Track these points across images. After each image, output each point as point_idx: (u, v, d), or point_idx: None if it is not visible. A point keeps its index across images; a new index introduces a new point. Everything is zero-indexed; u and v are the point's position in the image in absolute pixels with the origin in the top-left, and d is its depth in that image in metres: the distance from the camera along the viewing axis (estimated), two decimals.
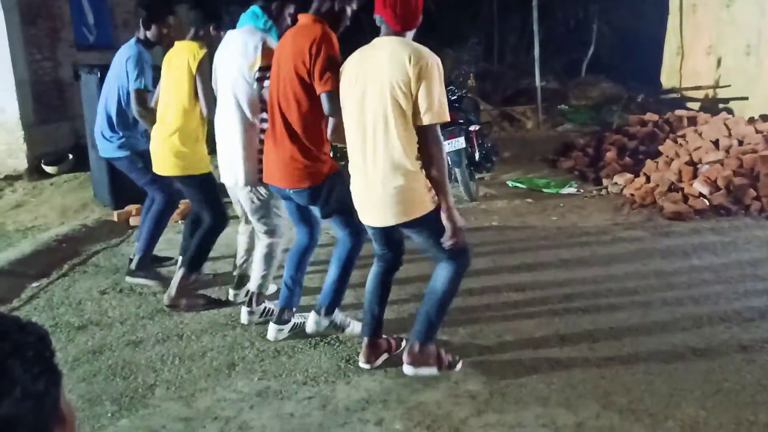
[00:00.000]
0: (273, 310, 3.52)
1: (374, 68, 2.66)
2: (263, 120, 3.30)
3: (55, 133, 7.35)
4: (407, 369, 2.92)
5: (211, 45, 3.70)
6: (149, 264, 4.30)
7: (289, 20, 3.41)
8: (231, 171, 3.40)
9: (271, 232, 3.49)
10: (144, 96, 3.98)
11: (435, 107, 2.55)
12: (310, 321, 3.30)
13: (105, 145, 4.24)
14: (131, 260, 4.30)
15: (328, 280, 3.28)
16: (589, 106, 11.09)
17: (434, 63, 2.57)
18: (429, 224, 2.71)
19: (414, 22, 2.69)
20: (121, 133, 4.15)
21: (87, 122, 5.96)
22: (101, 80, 5.52)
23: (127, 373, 3.09)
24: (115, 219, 5.56)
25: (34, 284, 4.25)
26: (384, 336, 3.12)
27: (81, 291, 4.14)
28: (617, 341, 3.26)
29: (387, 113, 2.61)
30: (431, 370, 2.92)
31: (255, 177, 3.34)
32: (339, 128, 2.91)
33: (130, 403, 2.84)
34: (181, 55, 3.69)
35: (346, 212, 3.04)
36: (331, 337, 3.36)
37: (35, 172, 6.95)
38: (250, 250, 3.75)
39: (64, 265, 4.58)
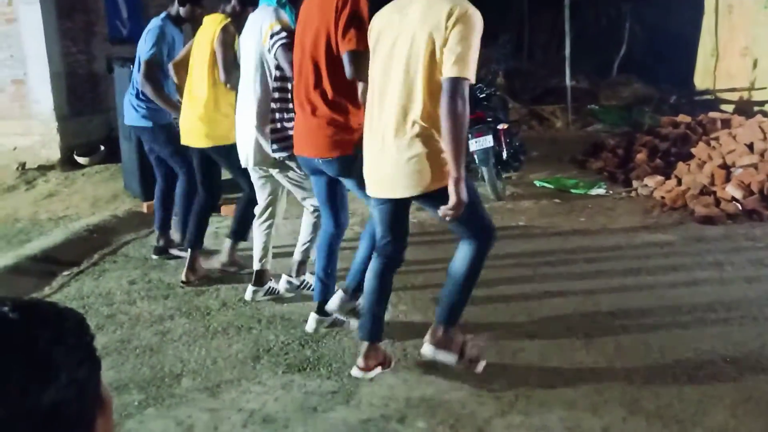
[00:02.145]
0: (310, 285, 3.55)
1: (407, 20, 2.44)
2: (278, 95, 3.27)
3: (88, 125, 7.48)
4: (427, 349, 2.80)
5: (238, 23, 3.73)
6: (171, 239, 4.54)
7: None
8: (243, 151, 3.43)
9: (315, 201, 3.42)
10: (152, 66, 4.09)
11: (467, 60, 2.32)
12: (334, 299, 3.24)
13: (130, 114, 4.41)
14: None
15: (357, 259, 3.18)
16: (620, 106, 10.92)
17: (477, 16, 2.36)
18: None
19: None
20: (146, 104, 4.29)
21: (119, 115, 6.06)
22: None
23: (155, 363, 3.14)
24: (145, 210, 5.64)
25: (65, 272, 4.33)
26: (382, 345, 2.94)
27: (110, 280, 4.21)
28: (645, 346, 3.21)
29: (416, 68, 2.39)
30: (451, 357, 2.78)
31: (267, 156, 3.32)
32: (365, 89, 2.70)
33: (157, 392, 2.88)
34: (208, 29, 3.84)
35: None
36: (355, 333, 3.36)
37: (68, 162, 7.08)
38: (267, 247, 3.73)
39: (95, 255, 4.66)
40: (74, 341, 0.73)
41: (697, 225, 5.19)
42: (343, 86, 2.83)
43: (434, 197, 2.50)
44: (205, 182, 4.15)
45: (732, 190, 5.46)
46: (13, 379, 0.66)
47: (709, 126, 7.22)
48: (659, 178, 6.17)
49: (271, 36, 3.20)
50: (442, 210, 2.43)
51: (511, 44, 12.62)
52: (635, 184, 6.31)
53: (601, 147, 7.82)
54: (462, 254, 2.71)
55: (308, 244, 3.58)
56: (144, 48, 4.16)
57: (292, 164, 3.35)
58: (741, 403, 2.70)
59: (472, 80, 2.39)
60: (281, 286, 3.71)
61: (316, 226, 3.50)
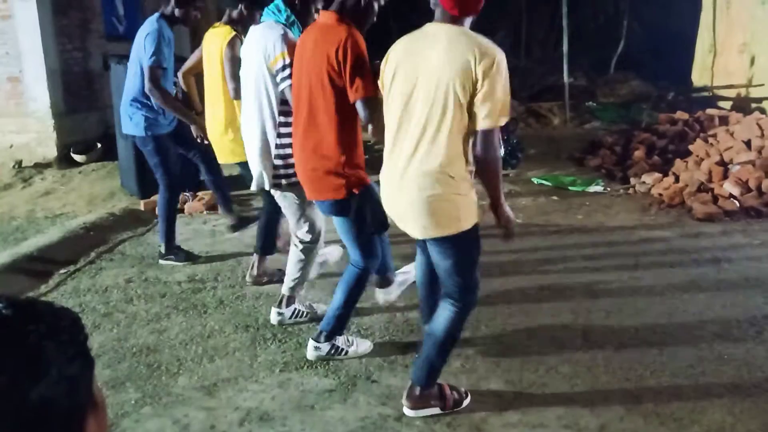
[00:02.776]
0: (303, 312, 3.47)
1: (429, 62, 2.33)
2: (282, 120, 3.17)
3: (85, 123, 7.46)
4: (407, 412, 2.64)
5: (245, 27, 3.69)
6: (176, 246, 4.50)
7: (316, 16, 3.25)
8: (253, 173, 3.33)
9: (305, 236, 3.34)
10: (156, 73, 4.03)
11: (497, 110, 2.27)
12: (310, 348, 3.08)
13: (126, 121, 4.36)
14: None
15: (333, 305, 3.05)
16: (618, 103, 10.92)
17: (502, 60, 2.28)
18: (457, 246, 2.46)
19: (477, 5, 2.35)
20: (141, 111, 4.21)
21: (116, 112, 6.04)
22: None
23: (151, 361, 3.13)
24: (142, 208, 5.63)
25: (62, 271, 4.32)
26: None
27: (107, 279, 4.19)
28: (643, 344, 3.21)
29: (441, 114, 2.30)
30: (433, 411, 2.63)
31: (270, 179, 3.23)
32: (380, 127, 2.61)
33: (154, 390, 2.87)
34: (214, 43, 3.83)
35: (373, 232, 2.89)
36: (352, 332, 3.35)
37: (64, 160, 7.06)
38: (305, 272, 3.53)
39: (91, 253, 4.65)
40: (67, 338, 0.72)
41: (695, 222, 5.19)
42: (342, 129, 2.76)
43: (448, 240, 2.45)
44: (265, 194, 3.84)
45: (729, 187, 5.46)
46: (2, 373, 0.65)
47: (706, 123, 7.23)
48: (657, 175, 6.17)
49: (283, 68, 3.07)
50: (502, 237, 2.54)
51: (508, 41, 12.63)
52: (633, 181, 6.32)
53: (599, 144, 7.82)
54: (444, 316, 2.59)
55: (297, 280, 3.42)
56: (145, 54, 4.04)
57: (291, 191, 3.24)
58: (738, 401, 2.70)
59: (506, 119, 2.35)
60: (272, 318, 3.51)
61: (304, 262, 3.38)
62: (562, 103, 10.32)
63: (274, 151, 3.19)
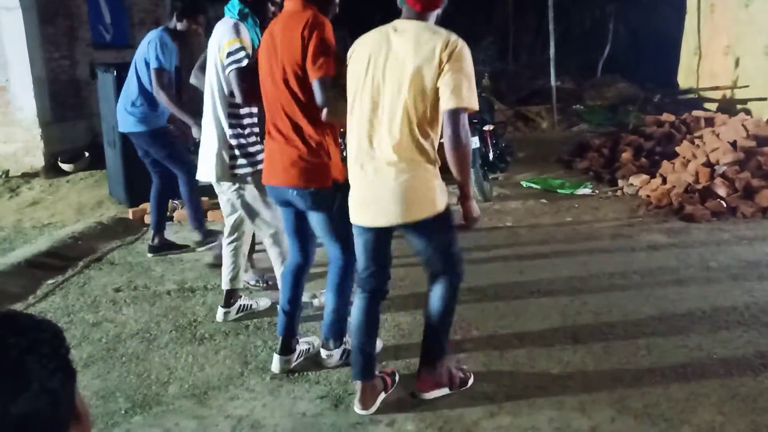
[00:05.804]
0: (249, 306, 3.61)
1: (396, 53, 2.44)
2: (234, 111, 3.22)
3: (72, 131, 7.42)
4: (423, 395, 2.75)
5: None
6: (209, 230, 4.68)
7: (272, 8, 3.31)
8: (204, 166, 3.33)
9: (269, 228, 3.33)
10: (162, 75, 4.23)
11: (464, 91, 2.36)
12: (323, 356, 3.07)
13: (125, 120, 4.50)
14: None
15: (327, 309, 3.02)
16: (605, 106, 10.99)
17: (466, 48, 2.41)
18: (435, 227, 2.54)
19: (435, 3, 2.49)
20: (141, 109, 4.42)
21: (103, 120, 6.03)
22: (118, 79, 5.60)
23: (141, 371, 3.11)
24: (130, 217, 5.60)
25: (50, 281, 4.29)
26: (377, 373, 2.80)
27: (96, 288, 4.17)
28: (632, 345, 3.22)
29: (409, 101, 2.40)
30: (444, 391, 2.77)
31: (227, 172, 3.23)
32: (337, 112, 2.65)
33: (144, 400, 2.85)
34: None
35: (348, 225, 2.75)
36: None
37: (52, 169, 7.02)
38: (236, 266, 3.61)
39: (80, 262, 4.62)
40: (48, 351, 0.72)
41: (683, 223, 5.23)
42: (317, 116, 2.74)
43: (424, 224, 2.50)
44: None
45: (716, 188, 5.50)
46: None
47: (692, 124, 7.28)
48: (644, 177, 6.21)
49: (228, 55, 3.06)
50: (456, 222, 2.53)
51: (496, 46, 12.69)
52: (621, 183, 6.36)
53: (587, 147, 7.86)
54: (436, 294, 2.68)
55: (233, 272, 3.59)
56: (150, 57, 4.25)
57: (249, 184, 3.23)
58: (728, 400, 2.71)
59: (474, 107, 2.41)
60: (218, 316, 3.60)
61: (280, 249, 3.35)
62: (549, 106, 10.38)
63: (228, 142, 3.23)
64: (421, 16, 2.48)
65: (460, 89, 2.36)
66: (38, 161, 7.00)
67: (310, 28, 2.67)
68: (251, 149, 3.26)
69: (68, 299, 3.99)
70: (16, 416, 0.66)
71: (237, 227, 3.60)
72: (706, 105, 9.62)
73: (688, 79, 10.96)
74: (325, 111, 2.70)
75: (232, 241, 3.62)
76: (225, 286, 3.63)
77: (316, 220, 2.89)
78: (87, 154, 7.20)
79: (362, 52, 2.55)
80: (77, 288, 4.18)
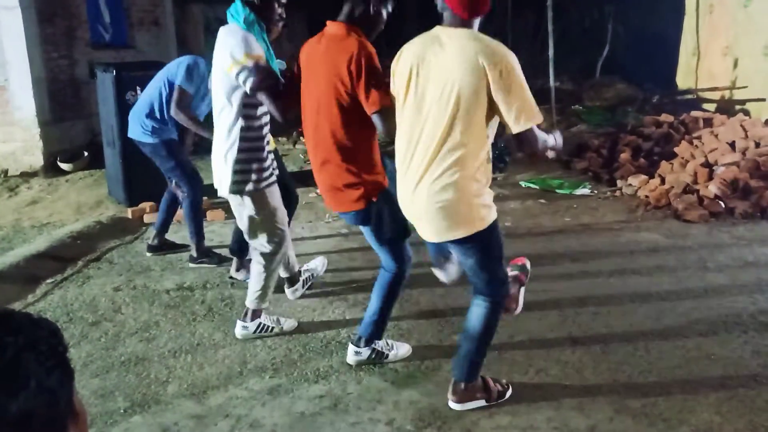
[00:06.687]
0: (269, 327, 3.39)
1: (438, 68, 2.34)
2: (244, 124, 3.11)
3: (71, 131, 7.42)
4: (453, 406, 2.69)
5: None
6: (207, 249, 4.53)
7: (279, 9, 3.17)
8: (215, 175, 3.24)
9: (263, 247, 3.29)
10: (184, 95, 4.05)
11: (527, 107, 2.29)
12: (350, 353, 3.07)
13: (135, 129, 4.43)
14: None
15: (369, 311, 3.03)
16: (604, 106, 10.99)
17: (514, 60, 2.31)
18: (477, 245, 2.48)
19: (484, 6, 2.36)
20: (152, 124, 4.33)
21: (102, 120, 6.02)
22: (116, 78, 5.60)
23: (140, 370, 3.11)
24: (129, 216, 5.60)
25: (49, 280, 4.29)
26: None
27: (95, 287, 4.17)
28: (631, 345, 3.23)
29: (453, 119, 2.32)
30: (479, 403, 2.69)
31: (230, 185, 3.15)
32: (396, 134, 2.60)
33: (143, 399, 2.86)
34: None
35: (394, 237, 2.86)
36: (342, 337, 3.36)
37: (51, 169, 7.01)
38: (266, 286, 3.42)
39: (79, 262, 4.61)
40: (46, 349, 0.72)
41: (681, 223, 5.24)
42: (358, 142, 2.75)
43: (467, 241, 2.46)
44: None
45: (715, 189, 5.51)
46: None
47: (691, 125, 7.29)
48: (643, 177, 6.22)
49: (241, 71, 2.95)
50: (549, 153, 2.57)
51: None
52: (619, 183, 6.36)
53: (586, 147, 7.87)
54: (477, 312, 2.64)
55: (260, 292, 3.35)
56: (178, 75, 4.09)
57: (250, 202, 3.18)
58: (726, 401, 2.72)
59: (540, 119, 2.35)
60: (237, 331, 3.41)
61: (267, 275, 3.31)
62: (548, 106, 10.35)
63: (235, 156, 3.12)
64: (465, 23, 2.36)
65: (522, 110, 2.28)
66: (37, 161, 7.00)
67: (357, 62, 2.61)
68: (254, 165, 3.15)
69: (67, 298, 3.99)
70: (13, 414, 0.66)
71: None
72: (705, 105, 9.62)
73: (687, 80, 10.97)
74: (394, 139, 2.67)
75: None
76: (249, 305, 3.42)
77: (365, 232, 2.96)
78: (86, 153, 7.19)
79: (403, 66, 2.48)
80: (76, 287, 4.18)
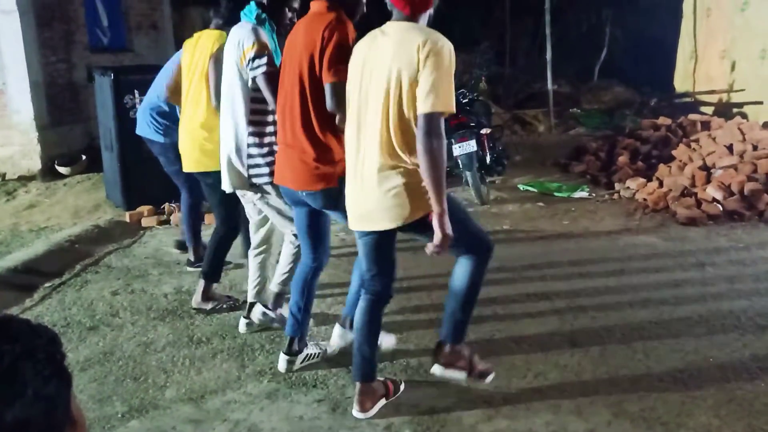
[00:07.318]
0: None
1: (380, 56, 2.41)
2: (256, 119, 3.15)
3: (69, 135, 7.41)
4: (436, 369, 2.75)
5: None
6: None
7: (289, 14, 3.26)
8: (225, 174, 3.26)
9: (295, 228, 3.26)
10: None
11: (440, 93, 2.29)
12: (335, 334, 3.12)
13: (144, 127, 4.43)
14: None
15: (352, 290, 3.06)
16: (602, 110, 11.02)
17: (447, 48, 2.32)
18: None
19: (424, 5, 2.44)
20: (163, 124, 4.34)
21: (100, 124, 6.03)
22: (115, 82, 5.60)
23: (138, 374, 3.10)
24: (127, 220, 5.59)
25: (47, 284, 4.28)
26: (379, 378, 2.79)
27: (93, 291, 4.16)
28: (629, 348, 3.23)
29: (388, 103, 2.36)
30: (460, 374, 2.74)
31: (245, 181, 3.18)
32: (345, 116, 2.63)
33: (141, 404, 2.85)
34: (204, 47, 3.68)
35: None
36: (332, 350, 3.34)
37: (49, 173, 7.01)
38: (262, 278, 3.52)
39: (77, 266, 4.61)
40: (43, 357, 0.72)
41: (679, 226, 5.24)
42: (327, 118, 2.74)
43: (418, 226, 2.46)
44: (218, 212, 3.81)
45: (712, 192, 5.52)
46: None
47: (689, 128, 7.31)
48: (641, 180, 6.23)
49: (252, 59, 3.05)
50: (429, 248, 2.39)
51: (493, 50, 12.70)
52: (617, 186, 6.37)
53: (584, 150, 7.88)
54: (461, 270, 2.65)
55: (287, 274, 3.34)
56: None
57: (271, 190, 3.18)
58: (724, 403, 2.72)
59: (451, 110, 2.35)
60: (255, 315, 3.47)
61: (296, 257, 3.27)
62: (546, 110, 10.40)
63: (248, 150, 3.15)
64: (409, 18, 2.44)
65: (436, 91, 2.29)
66: (35, 164, 6.99)
67: (331, 30, 2.65)
68: (270, 158, 3.14)
69: (65, 303, 3.99)
70: (10, 423, 0.65)
71: (266, 239, 3.52)
72: (703, 109, 9.64)
73: (685, 83, 10.99)
74: (338, 116, 2.70)
75: (259, 253, 3.52)
76: (251, 298, 3.51)
77: (334, 216, 2.93)
78: (84, 157, 7.19)
79: (357, 57, 2.54)
80: (74, 291, 4.18)
